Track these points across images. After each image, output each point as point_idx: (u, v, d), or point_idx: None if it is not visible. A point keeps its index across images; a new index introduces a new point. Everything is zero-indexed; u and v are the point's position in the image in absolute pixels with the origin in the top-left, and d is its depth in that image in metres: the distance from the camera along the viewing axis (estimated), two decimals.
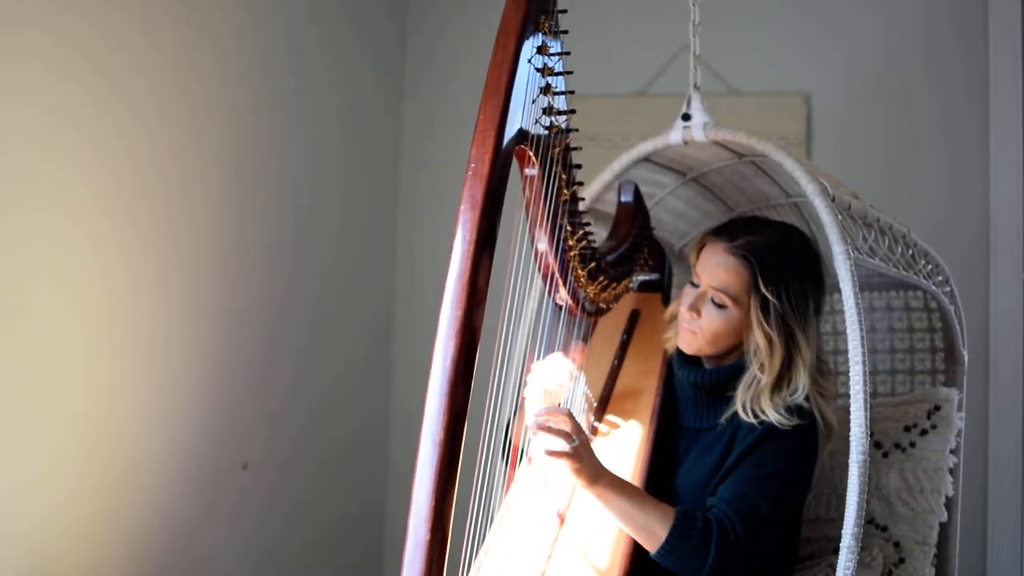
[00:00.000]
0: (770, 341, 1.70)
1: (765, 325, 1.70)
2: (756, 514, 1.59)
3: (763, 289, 1.70)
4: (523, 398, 1.76)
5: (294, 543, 2.86)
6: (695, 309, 1.76)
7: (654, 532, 1.56)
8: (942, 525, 1.97)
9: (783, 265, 1.72)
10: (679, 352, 1.86)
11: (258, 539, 2.71)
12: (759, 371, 1.72)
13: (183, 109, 2.39)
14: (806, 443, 1.70)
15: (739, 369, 1.76)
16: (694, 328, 1.77)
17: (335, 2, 3.03)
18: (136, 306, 2.26)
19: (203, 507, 2.49)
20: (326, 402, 2.98)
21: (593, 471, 1.56)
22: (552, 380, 1.74)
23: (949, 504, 1.97)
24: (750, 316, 1.72)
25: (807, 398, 1.71)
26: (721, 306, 1.74)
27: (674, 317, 1.90)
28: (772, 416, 1.68)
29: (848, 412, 1.64)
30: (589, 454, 1.57)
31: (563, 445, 1.53)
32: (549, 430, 1.53)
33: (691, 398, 1.83)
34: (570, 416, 1.56)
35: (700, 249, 1.80)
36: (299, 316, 2.86)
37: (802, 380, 1.71)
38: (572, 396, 1.83)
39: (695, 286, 1.78)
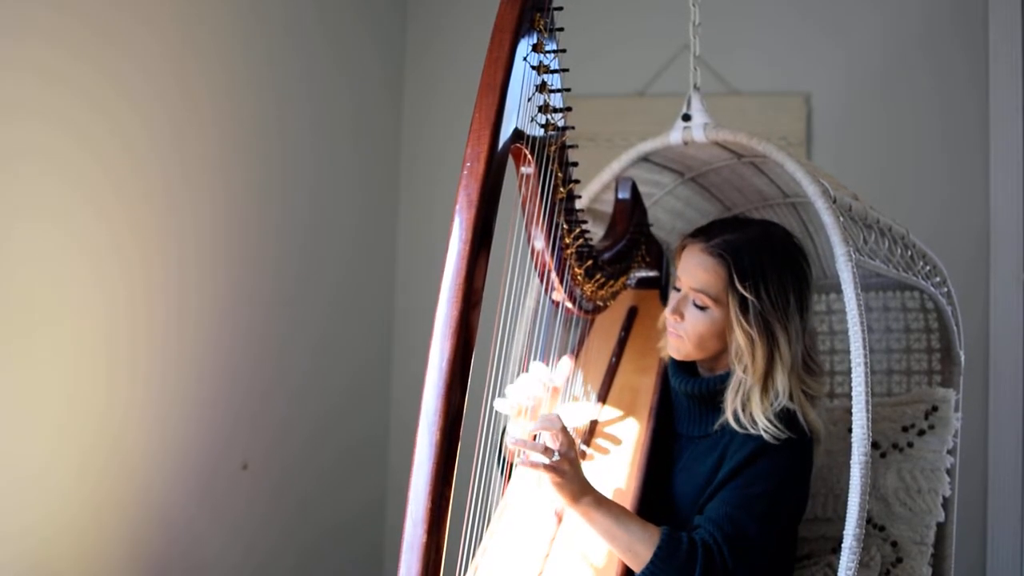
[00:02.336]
0: (751, 339, 1.68)
1: (744, 323, 1.68)
2: (743, 535, 1.57)
3: (739, 287, 1.68)
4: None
5: (294, 545, 2.86)
6: (678, 312, 1.75)
7: (638, 553, 1.54)
8: (939, 525, 1.97)
9: (760, 262, 1.70)
10: (673, 360, 1.84)
11: (258, 541, 2.70)
12: (743, 372, 1.70)
13: (184, 116, 2.38)
14: (799, 460, 1.68)
15: (730, 377, 1.74)
16: (679, 332, 1.75)
17: (335, 5, 3.03)
18: (136, 308, 2.26)
19: (203, 508, 2.49)
20: (326, 405, 2.98)
21: (577, 488, 1.54)
22: (527, 394, 1.72)
23: (946, 504, 1.97)
24: (730, 315, 1.70)
25: (790, 397, 1.69)
26: (702, 307, 1.72)
27: (664, 326, 1.90)
28: (762, 423, 1.65)
29: (847, 412, 1.63)
30: (575, 471, 1.54)
31: (544, 460, 1.52)
32: (535, 445, 1.52)
33: (685, 407, 1.82)
34: (563, 431, 1.54)
35: (681, 252, 1.79)
36: (299, 317, 2.86)
37: (782, 381, 1.68)
38: (567, 395, 1.83)
39: (677, 290, 1.77)
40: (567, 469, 1.53)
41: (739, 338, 1.69)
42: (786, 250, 1.75)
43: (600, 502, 1.56)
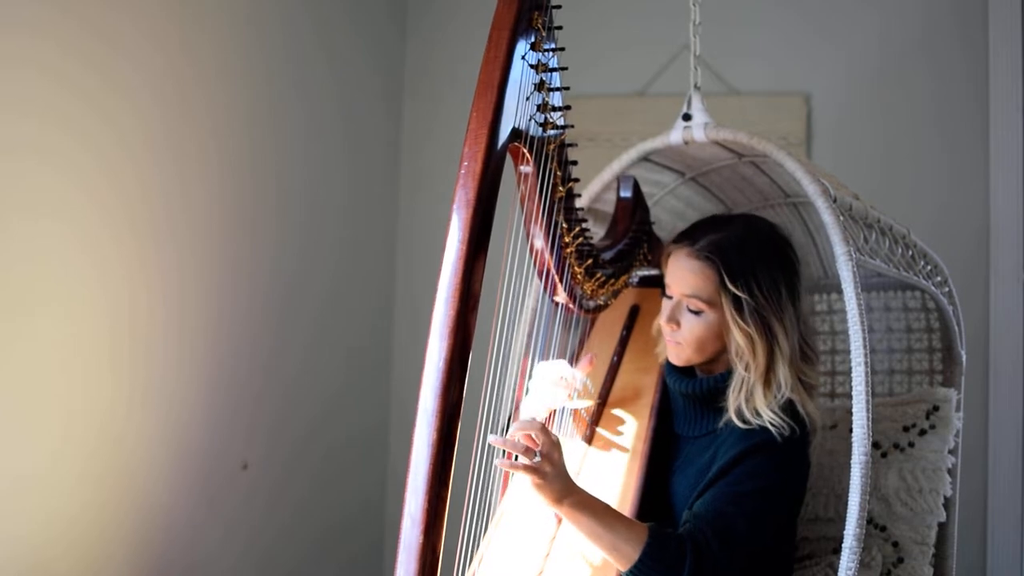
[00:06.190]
0: (749, 338, 1.67)
1: (741, 322, 1.67)
2: (732, 531, 1.55)
3: (731, 287, 1.67)
4: (518, 399, 1.75)
5: (294, 543, 2.86)
6: (673, 320, 1.73)
7: (624, 552, 1.51)
8: (940, 525, 1.96)
9: (748, 258, 1.69)
10: (669, 361, 1.84)
11: (258, 539, 2.70)
12: (745, 371, 1.69)
13: (182, 112, 2.38)
14: (791, 458, 1.65)
15: (729, 377, 1.73)
16: (677, 339, 1.74)
17: (335, 4, 3.03)
18: (135, 307, 2.25)
19: (203, 507, 2.49)
20: (326, 402, 2.98)
21: (559, 489, 1.49)
22: (553, 399, 1.73)
23: (947, 504, 1.97)
24: (725, 316, 1.69)
25: (791, 388, 1.68)
26: (697, 312, 1.71)
27: (660, 332, 1.89)
28: (767, 416, 1.64)
29: (849, 412, 1.62)
30: (557, 471, 1.50)
31: (525, 461, 1.47)
32: (515, 444, 1.47)
33: (682, 407, 1.81)
34: (543, 430, 1.50)
35: (667, 259, 1.77)
36: (299, 316, 2.85)
37: (784, 373, 1.67)
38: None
39: (669, 298, 1.75)
40: (548, 470, 1.48)
41: (738, 337, 1.68)
42: (772, 242, 1.74)
43: (583, 503, 1.52)
